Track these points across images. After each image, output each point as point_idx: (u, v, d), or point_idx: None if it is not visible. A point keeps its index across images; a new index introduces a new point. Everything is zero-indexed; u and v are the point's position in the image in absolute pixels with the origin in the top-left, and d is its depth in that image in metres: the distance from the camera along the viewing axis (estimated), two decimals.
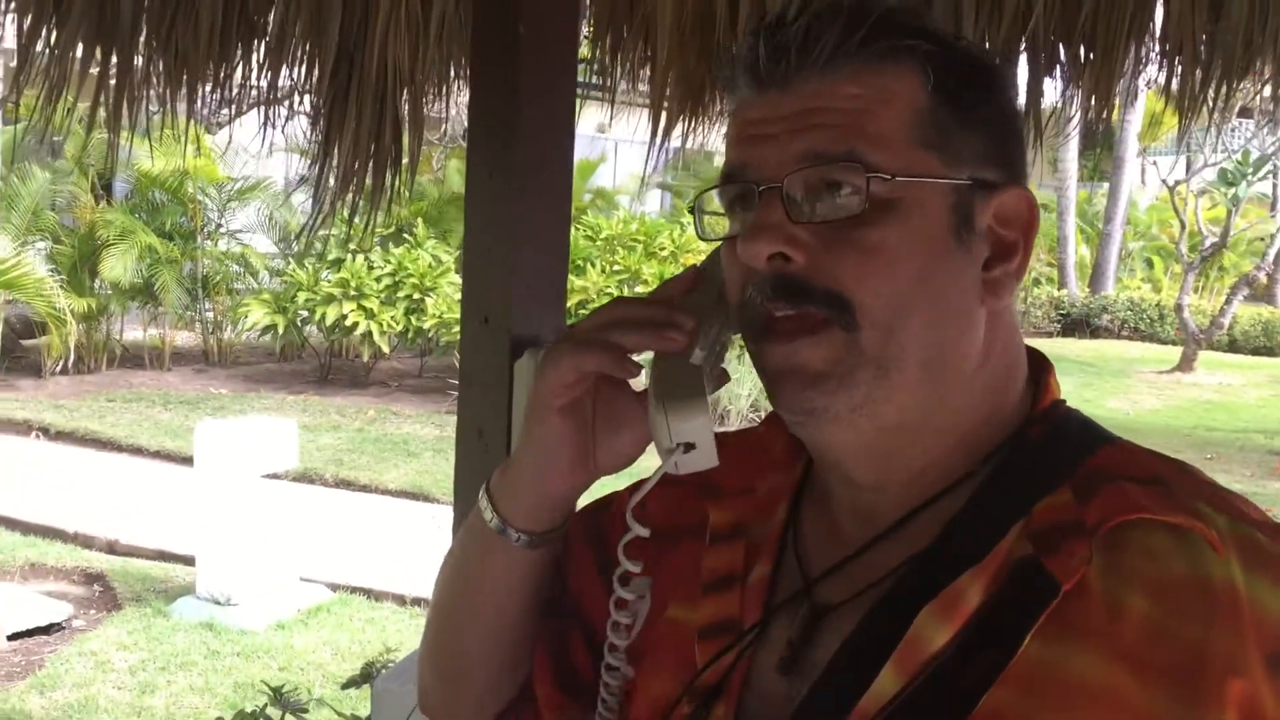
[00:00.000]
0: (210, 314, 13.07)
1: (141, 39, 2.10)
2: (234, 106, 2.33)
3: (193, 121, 2.39)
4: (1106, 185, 21.09)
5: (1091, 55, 2.00)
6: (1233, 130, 15.90)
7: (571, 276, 10.69)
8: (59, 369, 11.74)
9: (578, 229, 12.24)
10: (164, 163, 11.45)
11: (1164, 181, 16.94)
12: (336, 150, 2.17)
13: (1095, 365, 14.77)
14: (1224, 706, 0.63)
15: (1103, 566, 0.67)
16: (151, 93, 2.21)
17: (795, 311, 0.72)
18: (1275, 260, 16.09)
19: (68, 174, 11.89)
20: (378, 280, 11.66)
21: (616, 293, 11.07)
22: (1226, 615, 0.65)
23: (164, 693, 5.12)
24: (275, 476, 6.23)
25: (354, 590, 6.46)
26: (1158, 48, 1.99)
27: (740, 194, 0.75)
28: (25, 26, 2.07)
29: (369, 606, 6.29)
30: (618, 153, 16.05)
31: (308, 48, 2.18)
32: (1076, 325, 18.38)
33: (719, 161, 0.79)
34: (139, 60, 2.13)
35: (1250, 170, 15.41)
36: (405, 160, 2.22)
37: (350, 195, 2.23)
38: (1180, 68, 1.96)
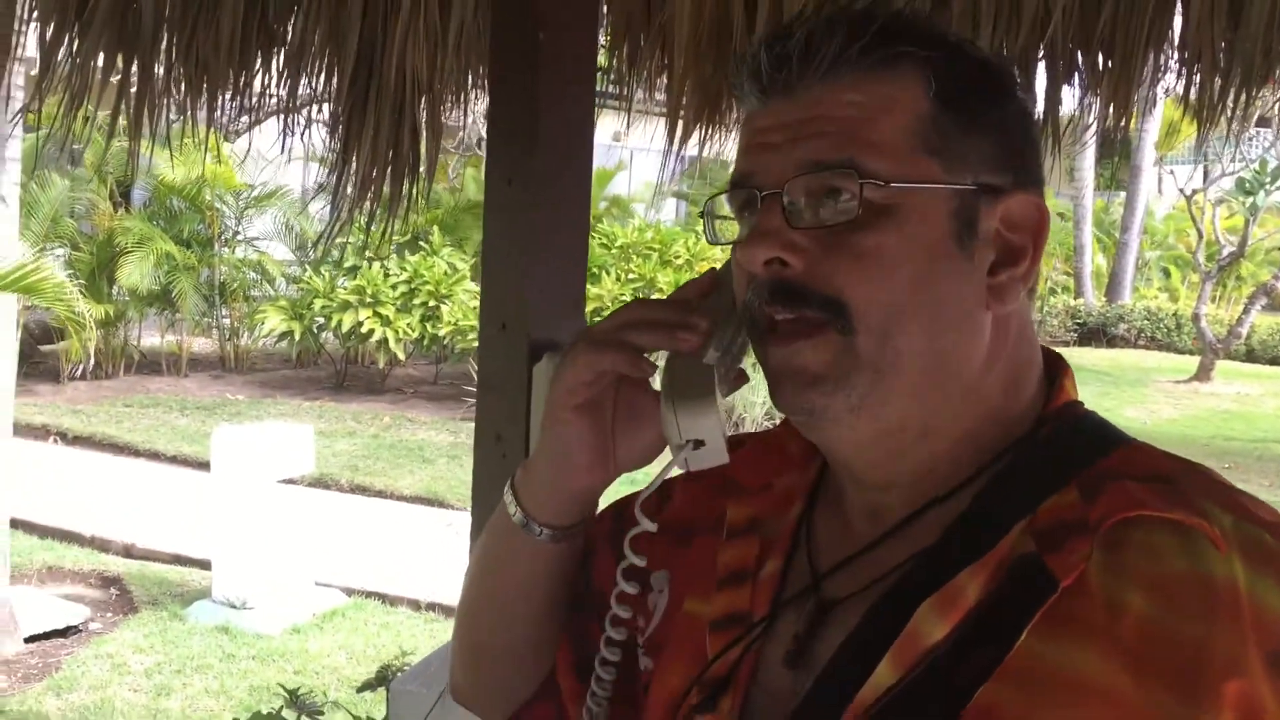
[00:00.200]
0: (227, 320, 13.14)
1: (162, 47, 2.11)
2: (253, 114, 2.35)
3: (212, 129, 2.41)
4: (1123, 194, 21.00)
5: (1110, 63, 2.00)
6: (1250, 139, 15.84)
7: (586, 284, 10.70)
8: (77, 374, 11.83)
9: (593, 237, 12.24)
10: (183, 171, 11.54)
11: (1181, 190, 16.86)
12: (355, 157, 2.18)
13: (1112, 374, 14.70)
14: (1221, 706, 0.63)
15: (1104, 564, 0.67)
16: (171, 101, 2.23)
17: (793, 315, 0.73)
18: None
19: (86, 181, 11.99)
20: (394, 287, 11.70)
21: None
22: (1227, 614, 0.65)
23: (179, 695, 5.15)
24: (291, 482, 6.26)
25: (368, 595, 6.48)
26: (1176, 55, 1.99)
27: (746, 200, 0.77)
28: (48, 34, 2.09)
29: (383, 611, 6.31)
30: (633, 161, 16.07)
31: (327, 56, 2.19)
32: (1093, 334, 18.29)
33: (730, 179, 0.80)
34: (160, 68, 2.15)
35: (1268, 180, 15.33)
36: (423, 168, 2.23)
37: (368, 202, 2.24)
38: (1199, 75, 1.96)
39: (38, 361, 11.89)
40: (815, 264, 0.72)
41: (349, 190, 2.23)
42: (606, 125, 2.08)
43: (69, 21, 2.07)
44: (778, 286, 0.73)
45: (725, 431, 0.78)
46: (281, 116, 2.35)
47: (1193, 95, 1.97)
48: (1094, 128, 2.11)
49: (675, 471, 0.80)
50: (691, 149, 2.47)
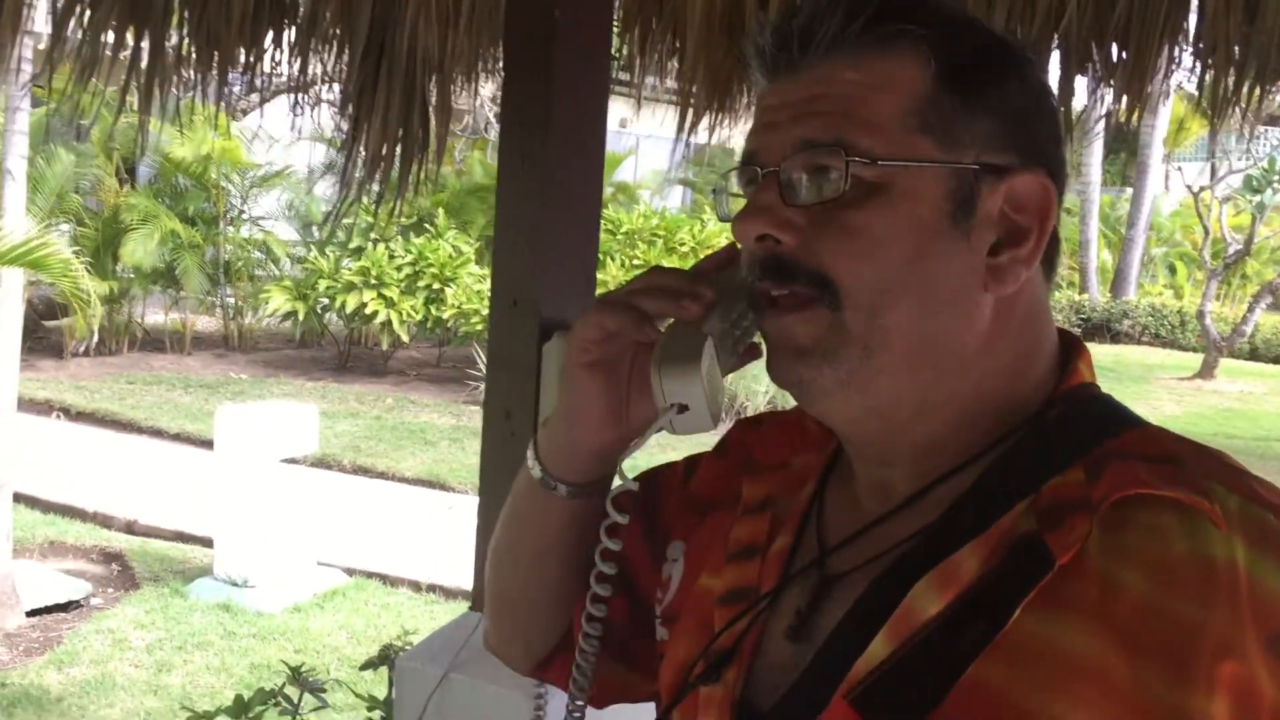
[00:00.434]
0: (231, 299, 13.14)
1: (174, 22, 2.11)
2: (262, 92, 2.34)
3: (220, 106, 2.40)
4: (1129, 190, 20.94)
5: (1124, 55, 1.99)
6: (1260, 137, 15.77)
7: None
8: (81, 350, 11.84)
9: None
10: (191, 147, 11.52)
11: (1189, 187, 16.81)
12: (365, 137, 2.17)
13: (1115, 370, 14.69)
14: (1214, 688, 0.63)
15: (1103, 543, 0.67)
16: (181, 77, 2.23)
17: (786, 290, 0.75)
18: None
19: (93, 157, 11.97)
20: (398, 269, 11.70)
21: None
22: (1225, 596, 0.64)
23: (180, 672, 5.17)
24: (293, 461, 6.27)
25: (369, 575, 6.50)
26: (1191, 49, 1.98)
27: (750, 178, 0.78)
28: (59, 7, 2.08)
29: (384, 591, 6.33)
30: (639, 147, 16.04)
31: (338, 33, 2.18)
32: (1097, 330, 18.27)
33: (739, 158, 0.81)
34: (170, 43, 2.14)
35: (1276, 178, 15.27)
36: (431, 149, 2.22)
37: (376, 183, 2.24)
38: (1213, 70, 1.94)
39: (41, 337, 11.91)
40: (807, 241, 0.73)
41: (359, 169, 2.22)
42: (613, 111, 2.08)
43: None
44: (770, 262, 0.75)
45: (717, 400, 0.79)
46: (291, 94, 2.35)
47: (1206, 89, 1.96)
48: (1105, 120, 2.10)
49: (652, 433, 0.83)
50: (699, 136, 2.46)
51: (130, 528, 7.09)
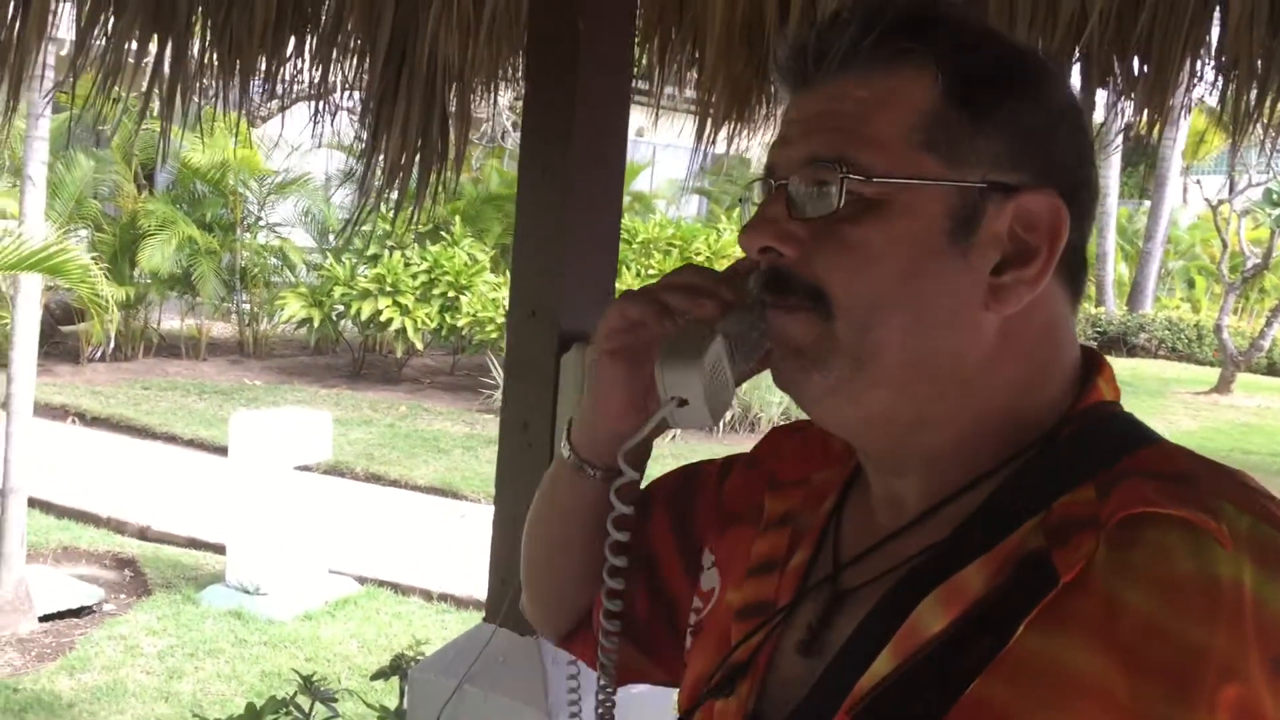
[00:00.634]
0: (247, 306, 13.20)
1: (196, 29, 2.12)
2: (282, 99, 2.36)
3: (241, 113, 2.41)
4: (1148, 203, 20.86)
5: (1145, 68, 1.98)
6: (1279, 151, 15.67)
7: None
8: (97, 356, 11.90)
9: None
10: (209, 154, 11.58)
11: (1207, 200, 16.73)
12: (385, 145, 2.18)
13: (1131, 385, 14.60)
14: (1215, 710, 0.62)
15: (1110, 562, 0.67)
16: (203, 83, 2.24)
17: (788, 302, 0.77)
18: None
19: (112, 163, 12.06)
20: (414, 277, 11.73)
21: None
22: (1229, 617, 0.63)
23: (191, 679, 5.17)
24: (306, 469, 6.28)
25: (381, 584, 6.50)
26: (1213, 62, 1.96)
27: (767, 191, 0.80)
28: (83, 14, 2.10)
29: (396, 600, 6.33)
30: (655, 157, 16.06)
31: (359, 41, 2.19)
32: (1113, 343, 18.17)
33: (756, 167, 0.82)
34: (193, 50, 2.15)
35: None
36: (451, 157, 2.22)
37: (394, 190, 2.24)
38: (1235, 83, 1.93)
39: (58, 342, 11.98)
40: (806, 254, 0.75)
41: (377, 177, 2.23)
42: (630, 121, 2.08)
43: (105, 2, 2.08)
44: (771, 274, 0.77)
45: (720, 397, 0.79)
46: (311, 102, 2.36)
47: (1228, 102, 1.95)
48: (1125, 132, 2.08)
49: (651, 425, 0.84)
50: (716, 146, 2.46)
51: (143, 534, 7.11)
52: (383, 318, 11.65)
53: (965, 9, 0.92)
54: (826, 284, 0.74)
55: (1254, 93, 1.91)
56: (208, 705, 4.84)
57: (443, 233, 12.42)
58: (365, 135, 2.22)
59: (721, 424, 10.47)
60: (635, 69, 2.37)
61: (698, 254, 12.40)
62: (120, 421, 9.76)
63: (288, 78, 2.29)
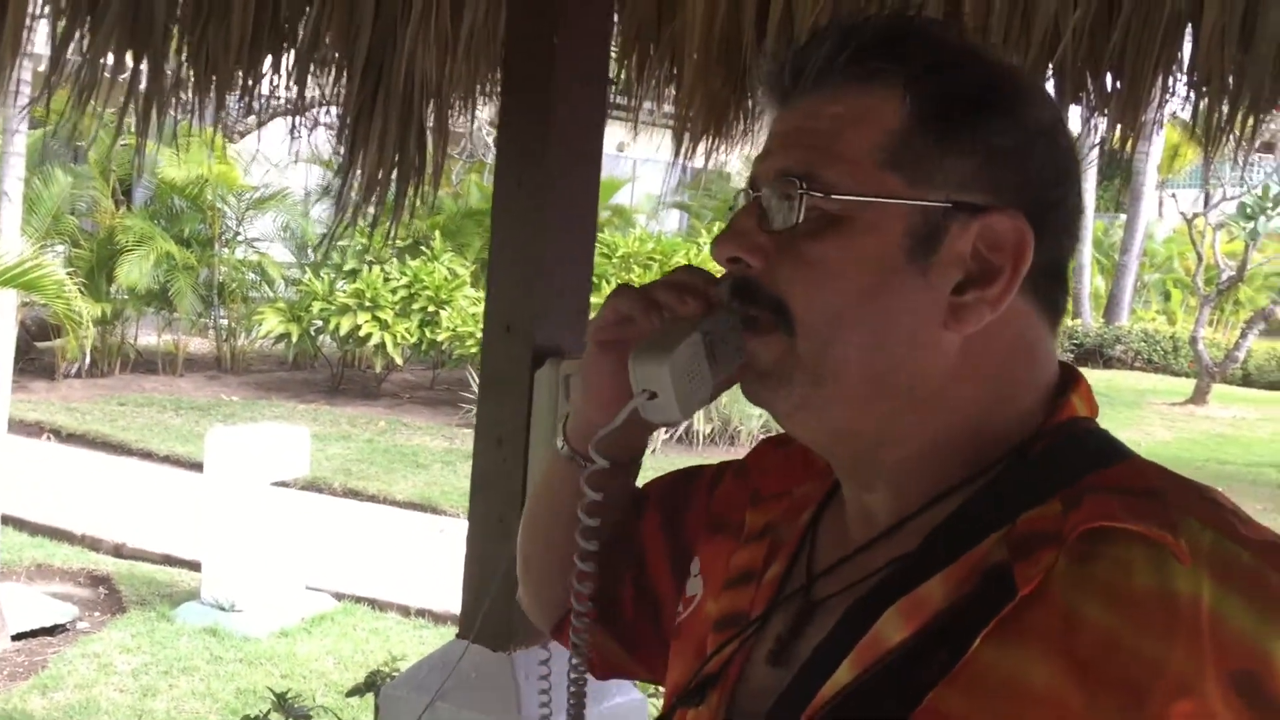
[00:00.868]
0: (224, 321, 13.12)
1: (173, 46, 2.11)
2: (259, 115, 2.35)
3: (218, 129, 2.41)
4: (1123, 216, 21.05)
5: (1119, 84, 2.00)
6: (1253, 165, 15.88)
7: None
8: (73, 372, 11.80)
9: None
10: (186, 170, 11.53)
11: (1182, 214, 16.90)
12: (362, 160, 2.18)
13: (1108, 396, 14.70)
14: None
15: (1069, 575, 0.67)
16: (180, 98, 2.23)
17: (751, 312, 0.77)
18: None
19: (89, 179, 11.98)
20: (393, 292, 11.70)
21: None
22: (1185, 631, 0.64)
23: (165, 697, 5.12)
24: (284, 484, 6.24)
25: (358, 600, 6.45)
26: (1185, 78, 1.99)
27: (746, 202, 0.81)
28: (58, 31, 2.09)
29: (373, 616, 6.29)
30: (635, 171, 16.09)
31: (336, 57, 2.19)
32: (1090, 355, 18.31)
33: (735, 182, 0.83)
34: (170, 66, 2.14)
35: (1270, 205, 15.37)
36: (428, 172, 2.22)
37: (372, 206, 2.24)
38: (1207, 99, 1.95)
39: (33, 358, 11.87)
40: (771, 266, 0.76)
41: (355, 191, 2.23)
42: (611, 135, 2.09)
43: (80, 18, 2.07)
44: (738, 283, 0.78)
45: (692, 394, 0.79)
46: (289, 117, 2.35)
47: (1200, 118, 1.97)
48: (1098, 148, 2.10)
49: (622, 417, 0.83)
50: (695, 160, 2.47)
51: (118, 550, 7.04)
52: (362, 333, 11.60)
53: (944, 26, 0.93)
54: (788, 297, 0.75)
55: (1226, 108, 1.94)
56: None
57: (423, 247, 12.39)
58: (343, 150, 2.22)
59: (700, 436, 10.49)
60: (614, 84, 2.38)
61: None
62: (96, 438, 9.67)
63: (265, 93, 2.28)
